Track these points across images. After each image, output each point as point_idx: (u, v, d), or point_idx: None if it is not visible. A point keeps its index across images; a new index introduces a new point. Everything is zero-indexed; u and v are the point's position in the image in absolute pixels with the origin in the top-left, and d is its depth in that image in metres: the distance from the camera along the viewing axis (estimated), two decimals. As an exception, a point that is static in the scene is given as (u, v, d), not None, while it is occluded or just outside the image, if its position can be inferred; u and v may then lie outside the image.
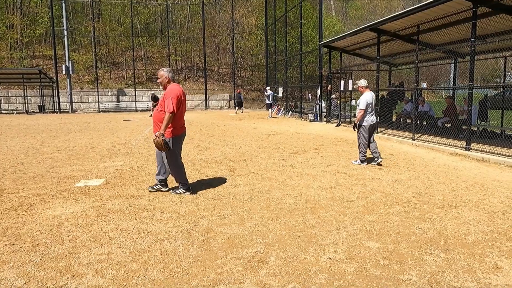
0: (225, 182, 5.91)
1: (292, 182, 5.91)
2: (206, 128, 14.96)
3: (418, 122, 11.74)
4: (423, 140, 10.31)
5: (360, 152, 7.36)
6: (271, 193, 5.26)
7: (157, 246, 3.46)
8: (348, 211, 4.51)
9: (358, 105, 7.33)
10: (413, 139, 10.50)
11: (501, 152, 7.86)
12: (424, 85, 24.20)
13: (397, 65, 16.93)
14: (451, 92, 15.15)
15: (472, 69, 8.24)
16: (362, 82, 7.43)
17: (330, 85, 16.31)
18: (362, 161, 7.33)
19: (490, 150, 8.16)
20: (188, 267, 3.05)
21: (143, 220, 4.14)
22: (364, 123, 7.25)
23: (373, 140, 7.47)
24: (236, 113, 24.17)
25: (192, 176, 6.25)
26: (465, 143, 8.63)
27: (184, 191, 5.17)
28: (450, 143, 9.27)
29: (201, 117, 21.72)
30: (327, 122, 16.58)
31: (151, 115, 23.05)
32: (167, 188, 5.31)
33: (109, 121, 19.25)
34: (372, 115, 7.31)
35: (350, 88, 14.78)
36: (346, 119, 16.00)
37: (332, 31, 31.29)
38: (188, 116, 21.47)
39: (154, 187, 5.31)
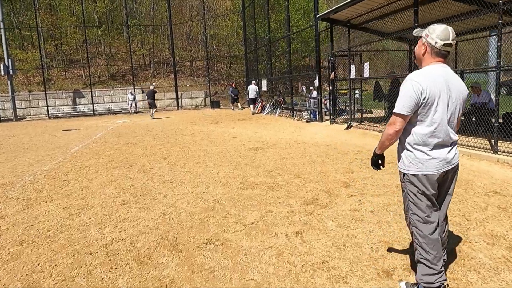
0: None
1: None
2: (165, 139, 10.47)
3: (474, 119, 7.78)
4: (508, 152, 6.17)
5: (416, 250, 2.41)
6: None
7: None
8: None
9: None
10: (495, 152, 6.35)
11: None
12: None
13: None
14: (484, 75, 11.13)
15: None
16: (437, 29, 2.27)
17: (333, 72, 12.04)
18: (428, 280, 2.31)
19: None
20: None
21: None
22: (420, 170, 2.31)
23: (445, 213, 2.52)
24: (233, 109, 22.72)
25: None
26: None
27: None
28: None
29: (168, 121, 17.13)
30: (331, 122, 12.32)
31: (153, 117, 18.17)
32: None
33: (43, 132, 14.52)
34: (444, 143, 2.30)
35: (366, 75, 10.49)
36: (355, 116, 11.77)
37: (322, 10, 27.07)
38: (151, 120, 16.66)
39: None
